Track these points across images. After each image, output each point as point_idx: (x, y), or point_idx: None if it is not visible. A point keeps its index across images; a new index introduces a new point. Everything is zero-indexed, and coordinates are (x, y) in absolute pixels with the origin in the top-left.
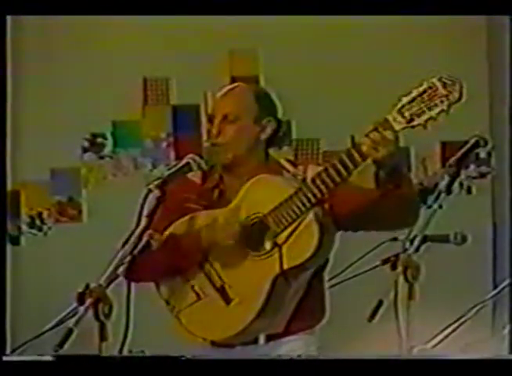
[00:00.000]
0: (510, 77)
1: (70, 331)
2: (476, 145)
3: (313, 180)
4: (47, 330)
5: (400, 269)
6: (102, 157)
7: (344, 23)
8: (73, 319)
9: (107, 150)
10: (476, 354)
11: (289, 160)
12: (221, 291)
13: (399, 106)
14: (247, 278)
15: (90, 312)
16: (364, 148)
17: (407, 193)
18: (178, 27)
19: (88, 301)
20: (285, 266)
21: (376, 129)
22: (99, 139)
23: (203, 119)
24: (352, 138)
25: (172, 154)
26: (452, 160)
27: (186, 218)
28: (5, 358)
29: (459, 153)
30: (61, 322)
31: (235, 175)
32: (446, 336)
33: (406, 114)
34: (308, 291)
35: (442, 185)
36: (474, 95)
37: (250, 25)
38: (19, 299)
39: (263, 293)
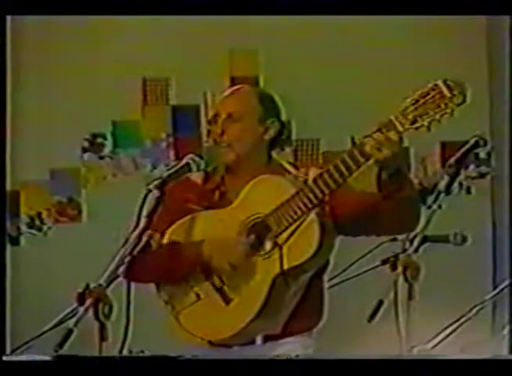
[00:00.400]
0: (510, 77)
1: (70, 331)
2: (476, 145)
3: (315, 180)
4: (47, 331)
5: (400, 269)
6: (101, 158)
7: (344, 23)
8: (73, 320)
9: (107, 150)
10: (476, 354)
11: (291, 163)
12: (221, 291)
13: (403, 107)
14: (247, 278)
15: (90, 313)
16: (367, 148)
17: (409, 196)
18: (178, 27)
19: (88, 301)
20: (285, 266)
21: (379, 130)
22: (99, 140)
23: (203, 119)
24: (352, 138)
25: (172, 154)
26: (452, 160)
27: (187, 218)
28: (5, 358)
29: (459, 154)
30: (61, 322)
31: (237, 176)
32: (446, 336)
33: (410, 116)
34: (307, 292)
35: (442, 185)
36: (473, 95)
37: (250, 25)
38: (19, 299)
39: (262, 293)
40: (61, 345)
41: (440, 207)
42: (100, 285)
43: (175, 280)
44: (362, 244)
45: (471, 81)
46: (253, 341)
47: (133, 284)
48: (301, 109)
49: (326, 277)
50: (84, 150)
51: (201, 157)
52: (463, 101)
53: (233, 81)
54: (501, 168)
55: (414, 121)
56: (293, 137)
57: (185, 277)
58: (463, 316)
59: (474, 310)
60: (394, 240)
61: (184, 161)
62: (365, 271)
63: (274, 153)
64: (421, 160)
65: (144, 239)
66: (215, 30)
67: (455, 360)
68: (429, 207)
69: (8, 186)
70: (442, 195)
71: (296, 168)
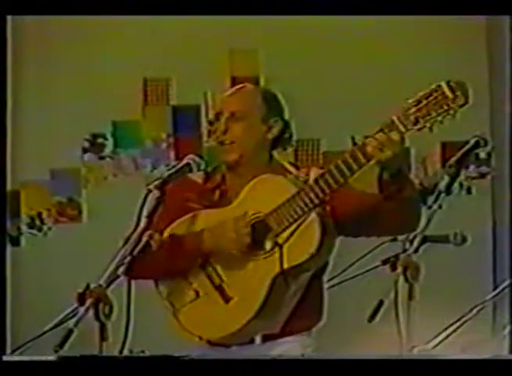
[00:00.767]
0: (510, 77)
1: (70, 332)
2: (476, 145)
3: (316, 180)
4: (47, 331)
5: (400, 269)
6: (102, 158)
7: (344, 23)
8: (74, 320)
9: (107, 150)
10: (476, 354)
11: (291, 163)
12: (221, 290)
13: (405, 108)
14: (247, 277)
15: (90, 313)
16: (369, 149)
17: (410, 196)
18: (178, 27)
19: (89, 301)
20: (285, 266)
21: (381, 130)
22: (100, 140)
23: (204, 119)
24: (353, 138)
25: (172, 155)
26: (452, 160)
27: (187, 217)
28: (5, 358)
29: (459, 154)
30: (61, 322)
31: (238, 175)
32: (447, 336)
33: (412, 117)
34: (307, 292)
35: (442, 185)
36: (474, 95)
37: (250, 25)
38: (19, 299)
39: (262, 292)
40: (61, 345)
41: (440, 207)
42: (100, 285)
43: (177, 274)
44: (362, 244)
45: (471, 81)
46: (252, 341)
47: (133, 284)
48: (302, 109)
49: (325, 277)
50: (85, 150)
51: (201, 157)
52: (466, 102)
53: (234, 81)
54: (501, 169)
55: (416, 122)
56: (294, 137)
57: (186, 272)
58: (463, 316)
59: (475, 310)
60: (395, 240)
61: (184, 161)
62: (366, 271)
63: (275, 153)
64: (422, 161)
65: (144, 239)
66: (216, 30)
67: (455, 360)
68: (429, 207)
69: (8, 186)
70: (443, 195)
71: (297, 168)
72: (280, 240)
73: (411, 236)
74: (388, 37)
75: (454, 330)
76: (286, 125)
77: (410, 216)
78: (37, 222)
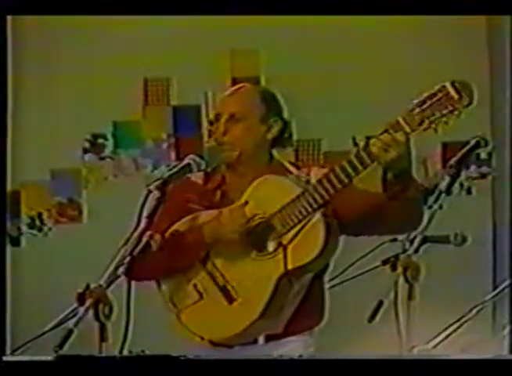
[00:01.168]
0: (511, 77)
1: (70, 332)
2: (477, 145)
3: (320, 181)
4: (47, 331)
5: (400, 269)
6: (102, 158)
7: (344, 23)
8: (74, 320)
9: (108, 150)
10: (476, 354)
11: (292, 163)
12: (224, 291)
13: (410, 108)
14: (251, 278)
15: (90, 313)
16: (374, 149)
17: (413, 196)
18: (178, 27)
19: (89, 301)
20: (289, 266)
21: (386, 131)
22: (100, 140)
23: (204, 120)
24: (353, 138)
25: (173, 155)
26: (453, 160)
27: (189, 217)
28: (5, 358)
29: (460, 154)
30: (61, 322)
31: (238, 176)
32: (446, 336)
33: (417, 117)
34: (309, 292)
35: (443, 185)
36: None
37: (250, 25)
38: (19, 300)
39: (266, 293)
40: (61, 345)
41: (441, 207)
42: (100, 285)
43: (178, 271)
44: (362, 245)
45: (472, 81)
46: (255, 341)
47: (133, 284)
48: (303, 109)
49: (326, 277)
50: (85, 151)
51: (202, 158)
52: (470, 103)
53: (234, 82)
54: (502, 169)
55: (421, 123)
56: (295, 137)
57: (187, 269)
58: (463, 317)
59: (475, 310)
60: (395, 240)
61: (185, 162)
62: (366, 271)
63: (275, 153)
64: (422, 161)
65: (144, 239)
66: (216, 30)
67: (455, 360)
68: (430, 207)
69: (8, 187)
70: (443, 195)
71: (297, 167)
72: (285, 241)
73: (411, 237)
74: (388, 37)
75: (454, 330)
76: (286, 125)
77: (413, 215)
78: (38, 223)
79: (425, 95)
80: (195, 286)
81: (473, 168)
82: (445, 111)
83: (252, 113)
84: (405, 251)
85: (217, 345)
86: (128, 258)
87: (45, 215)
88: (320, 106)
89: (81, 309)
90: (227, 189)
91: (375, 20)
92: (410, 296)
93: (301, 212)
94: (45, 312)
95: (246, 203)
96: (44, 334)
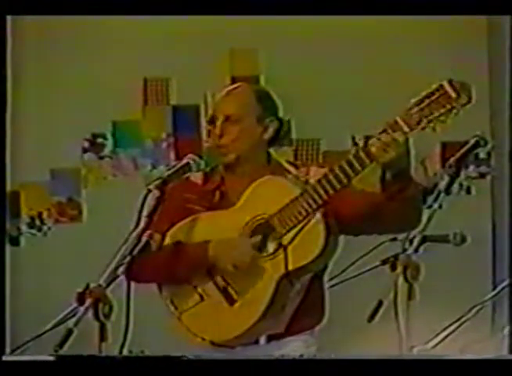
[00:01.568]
0: (511, 76)
1: (69, 331)
2: (476, 145)
3: (319, 181)
4: (47, 331)
5: (400, 269)
6: (102, 158)
7: (344, 23)
8: (73, 320)
9: (107, 150)
10: (476, 354)
11: (290, 162)
12: (225, 293)
13: (409, 108)
14: (252, 279)
15: (90, 313)
16: (373, 149)
17: (412, 196)
18: (178, 27)
19: (88, 301)
20: (290, 267)
21: (385, 131)
22: (99, 140)
23: (204, 119)
24: (353, 138)
25: (172, 155)
26: (452, 160)
27: (189, 219)
28: (4, 358)
29: (459, 154)
30: (61, 322)
31: (236, 176)
32: (446, 336)
33: (416, 116)
34: (309, 291)
35: (442, 185)
36: (474, 95)
37: (250, 25)
38: (18, 299)
39: (267, 294)
40: (61, 345)
41: (440, 207)
42: (100, 285)
43: (179, 281)
44: (362, 244)
45: (472, 81)
46: (256, 341)
47: (133, 284)
48: (302, 108)
49: (326, 276)
50: (85, 150)
51: (201, 157)
52: (469, 101)
53: (234, 81)
54: (501, 168)
55: (419, 122)
56: (294, 137)
57: (190, 278)
58: (462, 316)
59: (474, 310)
60: (394, 239)
61: (184, 161)
62: (366, 271)
63: (273, 153)
64: (421, 161)
65: (144, 239)
66: (216, 30)
67: (455, 360)
68: (429, 207)
69: (8, 187)
70: (442, 195)
71: (296, 167)
72: (285, 242)
73: (411, 236)
74: (388, 37)
75: (453, 330)
76: (281, 124)
77: (412, 215)
78: (37, 222)
79: (423, 94)
80: (195, 288)
81: (472, 167)
82: (443, 110)
83: (248, 114)
84: (404, 250)
85: (218, 346)
86: (127, 258)
87: (44, 215)
88: (319, 106)
89: (81, 309)
90: (226, 190)
91: (375, 21)
92: (410, 296)
93: (300, 213)
94: (44, 311)
95: (245, 206)
96: (43, 333)
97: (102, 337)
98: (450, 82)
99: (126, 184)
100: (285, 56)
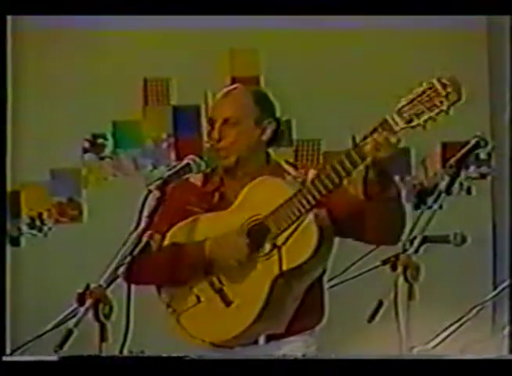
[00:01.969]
0: (511, 77)
1: (70, 332)
2: (476, 146)
3: (312, 182)
4: (47, 331)
5: (400, 269)
6: (102, 158)
7: (344, 23)
8: (74, 320)
9: (107, 150)
10: (476, 354)
11: (290, 163)
12: (221, 294)
13: (399, 107)
14: (247, 280)
15: (90, 313)
16: (366, 149)
17: (393, 198)
18: (178, 27)
19: (88, 301)
20: (284, 267)
21: (375, 130)
22: (100, 140)
23: (204, 120)
24: (353, 138)
25: (173, 155)
26: (452, 160)
27: (188, 221)
28: (4, 358)
29: (460, 154)
30: (61, 322)
31: (236, 178)
32: (446, 336)
33: (406, 115)
34: (309, 292)
35: (442, 185)
36: (474, 95)
37: (250, 25)
38: (19, 300)
39: (262, 295)
40: (61, 345)
41: (440, 207)
42: (100, 286)
43: (178, 282)
44: (362, 244)
45: (472, 81)
46: (255, 342)
47: (133, 285)
48: (302, 109)
49: (326, 277)
50: (85, 151)
51: (202, 158)
52: (459, 99)
53: (234, 81)
54: (501, 169)
55: (410, 121)
56: (294, 137)
57: (188, 279)
58: (463, 317)
59: (474, 310)
60: None
61: (184, 162)
62: (366, 271)
63: (273, 153)
64: (422, 161)
65: (144, 239)
66: (215, 30)
67: (455, 360)
68: (430, 207)
69: (8, 187)
70: (443, 195)
71: (295, 167)
72: (279, 242)
73: (411, 237)
74: (388, 38)
75: (454, 331)
76: (279, 124)
77: (393, 220)
78: (38, 223)
79: (413, 92)
80: (192, 289)
81: (472, 168)
82: (433, 108)
83: (246, 116)
84: (405, 250)
85: (218, 347)
86: (128, 258)
87: (45, 215)
88: (319, 106)
89: (81, 309)
90: (225, 191)
91: (375, 21)
92: (410, 296)
93: (294, 213)
94: (45, 312)
95: (240, 208)
96: (44, 334)
97: (103, 337)
98: (439, 80)
99: (126, 184)
100: (285, 56)
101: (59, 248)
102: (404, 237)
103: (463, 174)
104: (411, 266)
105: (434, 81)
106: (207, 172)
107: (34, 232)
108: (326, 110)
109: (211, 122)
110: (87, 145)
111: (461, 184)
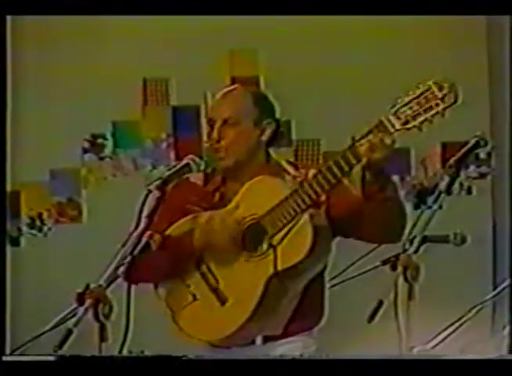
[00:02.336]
0: (510, 77)
1: (69, 332)
2: (476, 145)
3: (309, 182)
4: (47, 331)
5: (400, 269)
6: (102, 158)
7: (344, 23)
8: (73, 320)
9: (107, 150)
10: (476, 354)
11: (290, 162)
12: (216, 292)
13: (395, 108)
14: (242, 279)
15: (90, 313)
16: (361, 150)
17: (391, 197)
18: (178, 27)
19: (88, 301)
20: (279, 267)
21: (371, 132)
22: (99, 140)
23: (203, 120)
24: (353, 138)
25: (172, 155)
26: (452, 160)
27: (186, 219)
28: (4, 358)
29: (459, 154)
30: (61, 322)
31: (236, 178)
32: (446, 336)
33: (402, 117)
34: (307, 292)
35: (442, 185)
36: (474, 95)
37: (250, 25)
38: (18, 300)
39: (257, 294)
40: (61, 345)
41: (440, 207)
42: (100, 285)
43: (174, 275)
44: (362, 244)
45: (471, 81)
46: (252, 342)
47: (133, 285)
48: (302, 109)
49: (326, 277)
50: (85, 151)
51: (201, 158)
52: (455, 101)
53: (233, 82)
54: (501, 169)
55: (406, 122)
56: (294, 137)
57: (182, 272)
58: (462, 317)
59: (474, 310)
60: None
61: (184, 162)
62: (366, 271)
63: (273, 153)
64: (422, 161)
65: (144, 239)
66: (215, 30)
67: (455, 360)
68: (429, 207)
69: (8, 187)
70: (443, 195)
71: (296, 167)
72: (274, 242)
73: (411, 236)
74: (389, 38)
75: (453, 331)
76: (279, 125)
77: (393, 218)
78: (38, 223)
79: (410, 94)
80: (188, 287)
81: (472, 167)
82: (429, 110)
83: (245, 117)
84: (405, 250)
85: (215, 347)
86: (128, 258)
87: (44, 215)
88: (319, 106)
89: (81, 309)
90: (226, 191)
91: (375, 21)
92: (410, 296)
93: (289, 213)
94: (44, 312)
95: (237, 207)
96: (43, 334)
97: (102, 337)
98: (436, 82)
99: (126, 184)
100: (285, 56)
101: (58, 248)
102: (405, 236)
103: (462, 174)
104: (411, 266)
105: (431, 83)
106: (208, 172)
107: (33, 232)
108: (326, 109)
109: (211, 123)
110: (87, 145)
111: (461, 184)
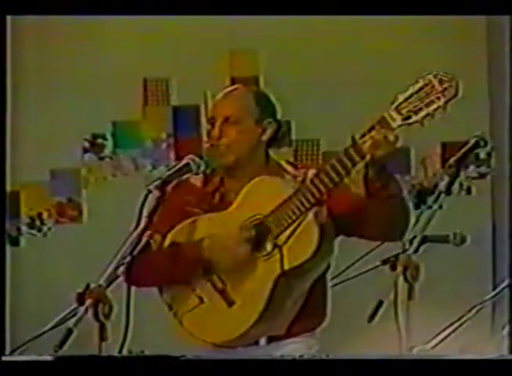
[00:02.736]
0: (510, 77)
1: (69, 332)
2: (476, 145)
3: (312, 180)
4: (47, 331)
5: (400, 269)
6: (102, 158)
7: (344, 22)
8: (73, 320)
9: (107, 150)
10: (476, 354)
11: (290, 162)
12: (223, 294)
13: (396, 103)
14: (249, 280)
15: (90, 313)
16: (364, 147)
17: (394, 194)
18: (178, 27)
19: (88, 301)
20: (285, 267)
21: (373, 128)
22: (99, 140)
23: (204, 120)
24: (353, 138)
25: (172, 155)
26: (452, 160)
27: (187, 222)
28: (4, 358)
29: (459, 154)
30: (61, 322)
31: (236, 178)
32: (446, 336)
33: (403, 112)
34: (311, 293)
35: (442, 185)
36: (473, 95)
37: (250, 25)
38: (18, 300)
39: (265, 295)
40: (61, 345)
41: (440, 207)
42: (100, 285)
43: (177, 282)
44: (362, 244)
45: (471, 80)
46: (256, 342)
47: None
48: (301, 109)
49: (328, 277)
50: (85, 151)
51: (201, 158)
52: (456, 94)
53: (233, 82)
54: (501, 169)
55: (408, 117)
56: (294, 137)
57: (188, 279)
58: (462, 317)
59: (474, 310)
60: None
61: (184, 162)
62: (366, 271)
63: (272, 153)
64: (421, 161)
65: (144, 239)
66: (215, 30)
67: (454, 360)
68: (429, 207)
69: (8, 187)
70: (443, 195)
71: (295, 167)
72: (280, 242)
73: (411, 236)
74: (389, 37)
75: (453, 331)
76: (280, 125)
77: (397, 215)
78: (37, 223)
79: (410, 89)
80: (194, 291)
81: (472, 167)
82: (430, 104)
83: (246, 115)
84: (404, 250)
85: (219, 347)
86: (128, 258)
87: (44, 215)
88: (319, 106)
89: (81, 309)
90: (225, 192)
91: (375, 21)
92: (410, 296)
93: (294, 212)
94: (44, 311)
95: (239, 208)
96: (43, 333)
97: (102, 337)
98: (436, 76)
99: (126, 184)
100: (285, 57)
101: (58, 248)
102: (409, 233)
103: (462, 174)
104: (411, 266)
105: (431, 77)
106: (208, 173)
107: (33, 232)
108: (326, 109)
109: (212, 121)
110: (87, 145)
111: (461, 184)
